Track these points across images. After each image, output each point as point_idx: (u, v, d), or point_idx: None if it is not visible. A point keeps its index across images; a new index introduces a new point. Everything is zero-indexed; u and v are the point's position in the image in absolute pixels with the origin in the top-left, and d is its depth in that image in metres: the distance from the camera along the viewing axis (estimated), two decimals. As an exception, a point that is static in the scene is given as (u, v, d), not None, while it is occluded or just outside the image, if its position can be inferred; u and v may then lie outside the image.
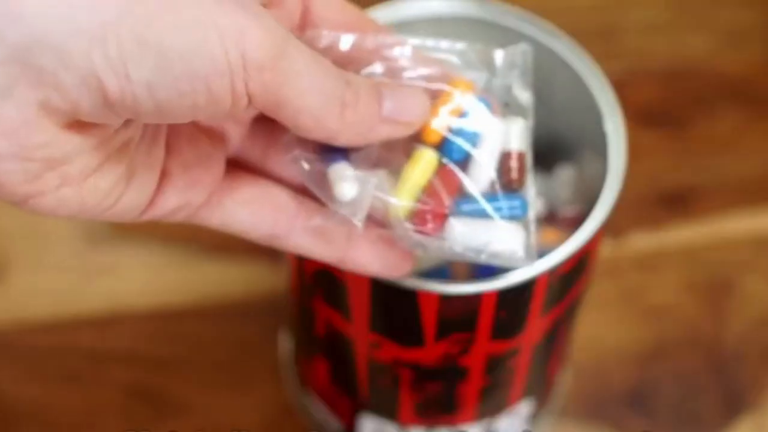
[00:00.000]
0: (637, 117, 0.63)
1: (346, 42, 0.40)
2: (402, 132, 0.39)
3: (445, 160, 0.40)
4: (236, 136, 0.41)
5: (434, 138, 0.40)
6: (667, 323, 0.58)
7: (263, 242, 0.41)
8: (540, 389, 0.52)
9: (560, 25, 0.48)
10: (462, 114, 0.40)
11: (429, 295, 0.42)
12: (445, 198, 0.39)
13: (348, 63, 0.39)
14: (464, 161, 0.40)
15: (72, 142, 0.34)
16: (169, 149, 0.38)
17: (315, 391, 0.53)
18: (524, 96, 0.41)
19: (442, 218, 0.39)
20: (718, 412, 0.56)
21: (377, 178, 0.39)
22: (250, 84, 0.34)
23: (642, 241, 0.60)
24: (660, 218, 0.61)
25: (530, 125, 0.41)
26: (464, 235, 0.39)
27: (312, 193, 0.40)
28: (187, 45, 0.33)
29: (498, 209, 0.39)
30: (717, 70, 0.66)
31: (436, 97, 0.40)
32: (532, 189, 0.40)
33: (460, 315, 0.43)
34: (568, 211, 0.50)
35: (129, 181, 0.36)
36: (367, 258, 0.41)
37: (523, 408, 0.51)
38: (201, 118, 0.35)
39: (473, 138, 0.40)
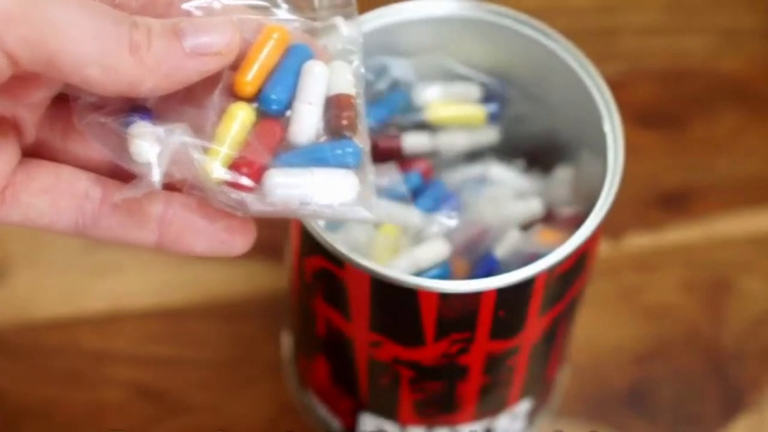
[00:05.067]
0: (636, 117, 0.63)
1: None
2: (214, 65, 0.36)
3: (262, 113, 0.37)
4: (31, 121, 0.38)
5: (249, 90, 0.37)
6: (666, 323, 0.58)
7: (73, 234, 0.38)
8: (539, 389, 0.52)
9: (558, 26, 0.48)
10: (279, 62, 0.37)
11: (429, 293, 0.42)
12: (263, 151, 0.36)
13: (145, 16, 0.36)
14: (285, 112, 0.37)
15: None
16: None
17: (315, 391, 0.53)
18: (350, 36, 0.39)
19: (259, 171, 0.36)
20: (717, 411, 0.56)
21: (179, 131, 0.36)
22: (4, 41, 0.32)
23: (640, 241, 0.60)
24: (658, 218, 0.61)
25: (359, 67, 0.38)
26: (286, 187, 0.36)
27: (121, 174, 0.37)
28: None
29: (323, 157, 0.36)
30: (715, 70, 0.66)
31: (249, 47, 0.37)
32: (365, 134, 0.37)
33: (459, 314, 0.43)
34: (567, 211, 0.51)
35: None
36: (190, 237, 0.38)
37: (523, 407, 0.51)
38: None
39: (292, 86, 0.37)
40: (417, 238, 0.47)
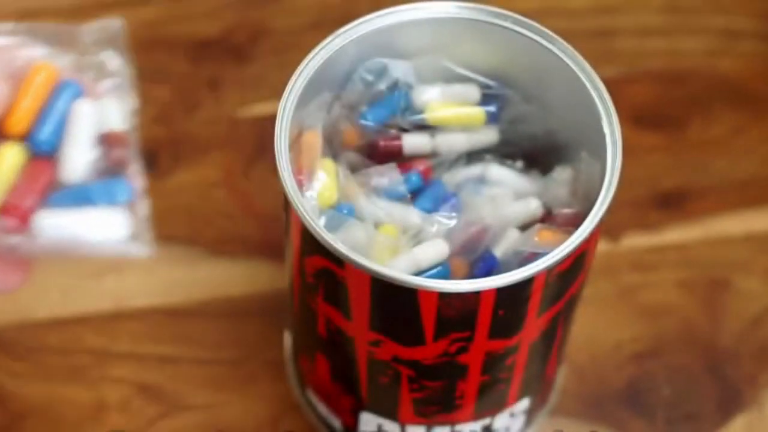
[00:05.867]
0: (634, 118, 0.64)
1: None
2: None
3: (33, 153, 0.37)
4: None
5: (17, 130, 0.37)
6: (664, 322, 0.58)
7: None
8: (538, 388, 0.52)
9: (557, 28, 0.48)
10: (47, 101, 0.37)
11: (428, 293, 0.42)
12: (31, 193, 0.36)
13: None
14: (56, 151, 0.37)
15: None
16: None
17: (316, 390, 0.53)
18: (118, 70, 0.39)
19: (26, 214, 0.36)
20: (715, 410, 0.56)
21: None
22: None
23: (639, 241, 0.61)
24: (657, 218, 0.61)
25: (133, 102, 0.38)
26: (57, 228, 0.36)
27: None
28: None
29: (95, 196, 0.37)
30: (713, 71, 0.66)
31: (17, 88, 0.37)
32: (137, 170, 0.37)
33: (459, 313, 0.43)
34: (566, 211, 0.51)
35: None
36: None
37: (522, 406, 0.51)
38: None
39: (62, 125, 0.37)
40: (417, 238, 0.47)
